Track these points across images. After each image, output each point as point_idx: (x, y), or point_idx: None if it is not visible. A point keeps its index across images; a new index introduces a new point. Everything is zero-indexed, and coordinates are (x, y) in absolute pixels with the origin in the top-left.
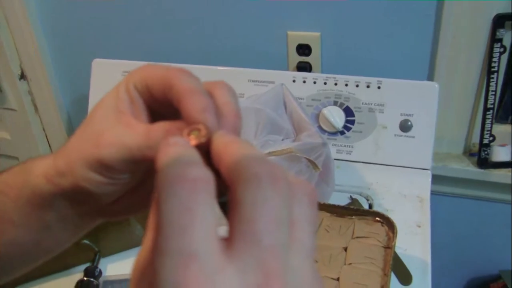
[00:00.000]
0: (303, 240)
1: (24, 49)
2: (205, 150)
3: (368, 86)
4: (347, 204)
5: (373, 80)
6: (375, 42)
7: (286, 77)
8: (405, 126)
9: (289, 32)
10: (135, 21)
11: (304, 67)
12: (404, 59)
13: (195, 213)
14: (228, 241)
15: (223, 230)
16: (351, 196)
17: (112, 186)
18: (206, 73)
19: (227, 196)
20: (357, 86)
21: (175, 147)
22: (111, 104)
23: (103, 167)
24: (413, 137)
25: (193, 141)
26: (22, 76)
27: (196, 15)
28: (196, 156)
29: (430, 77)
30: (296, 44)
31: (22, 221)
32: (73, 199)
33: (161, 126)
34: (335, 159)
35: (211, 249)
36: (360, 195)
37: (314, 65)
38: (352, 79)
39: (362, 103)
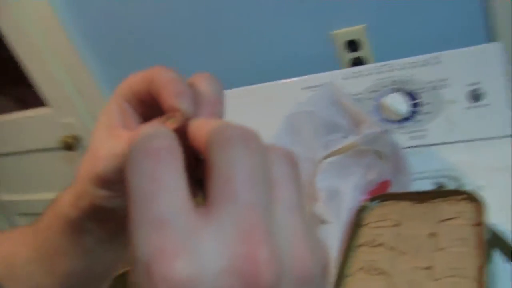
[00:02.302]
0: (286, 197)
1: None
2: (184, 137)
3: (425, 65)
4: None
5: (429, 57)
6: (421, 18)
7: (337, 76)
8: (475, 96)
9: (334, 32)
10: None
11: (357, 63)
12: (456, 27)
13: (160, 181)
14: (207, 206)
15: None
16: (437, 182)
17: (122, 198)
18: (253, 91)
19: None
20: (414, 67)
21: (145, 129)
22: (104, 121)
23: (104, 181)
24: (488, 104)
25: (169, 126)
26: None
27: (235, 34)
28: (164, 130)
29: (491, 38)
30: (343, 41)
31: (69, 251)
32: (98, 219)
33: (142, 127)
34: (409, 147)
35: (182, 213)
36: (447, 178)
37: (367, 58)
38: (406, 61)
39: (424, 83)
